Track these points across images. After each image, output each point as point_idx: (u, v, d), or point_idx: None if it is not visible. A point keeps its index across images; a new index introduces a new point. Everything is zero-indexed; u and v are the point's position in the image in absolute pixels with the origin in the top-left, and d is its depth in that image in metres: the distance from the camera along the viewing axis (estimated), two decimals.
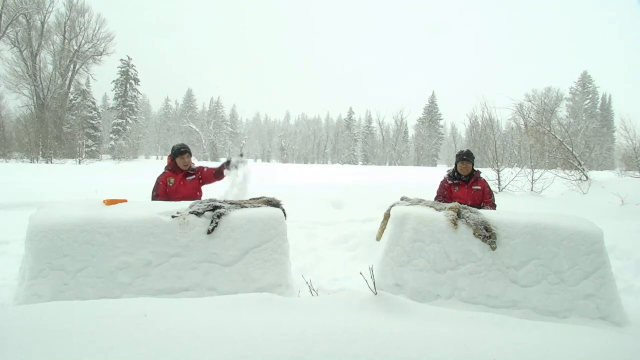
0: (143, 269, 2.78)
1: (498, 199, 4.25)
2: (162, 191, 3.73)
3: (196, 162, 4.13)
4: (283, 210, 3.32)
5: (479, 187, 3.94)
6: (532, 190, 9.93)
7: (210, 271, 2.90)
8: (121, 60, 43.14)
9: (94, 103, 40.21)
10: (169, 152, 3.92)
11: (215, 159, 55.77)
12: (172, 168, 3.82)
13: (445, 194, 3.99)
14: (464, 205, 3.25)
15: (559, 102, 37.06)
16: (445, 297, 2.95)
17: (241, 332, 1.39)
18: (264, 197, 3.46)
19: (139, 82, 44.47)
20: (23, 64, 32.59)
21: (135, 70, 44.20)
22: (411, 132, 67.13)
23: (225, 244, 2.95)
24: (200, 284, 2.87)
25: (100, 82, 42.02)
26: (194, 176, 3.88)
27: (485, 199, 3.93)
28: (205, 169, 3.96)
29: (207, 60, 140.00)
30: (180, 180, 3.80)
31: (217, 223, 2.94)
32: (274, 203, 3.36)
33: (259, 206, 3.23)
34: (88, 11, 35.95)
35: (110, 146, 40.79)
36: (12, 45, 31.96)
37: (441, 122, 64.46)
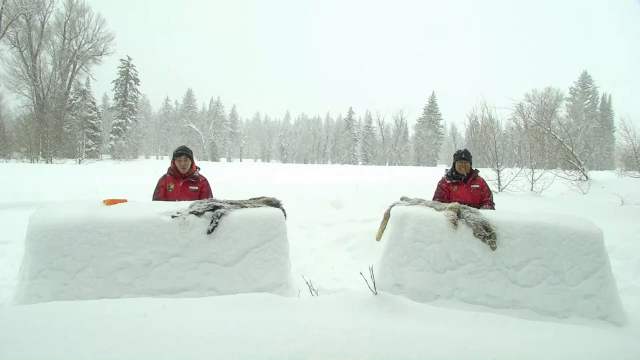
0: (143, 269, 2.78)
1: (498, 199, 4.26)
2: (162, 196, 3.66)
3: (201, 169, 3.97)
4: (283, 210, 3.31)
5: (478, 186, 3.95)
6: (532, 190, 9.91)
7: (210, 271, 2.90)
8: (121, 60, 43.19)
9: (94, 103, 40.20)
10: (170, 153, 3.86)
11: (215, 159, 55.78)
12: (173, 172, 3.72)
13: (443, 195, 3.99)
14: (464, 205, 3.25)
15: (559, 102, 37.06)
16: (445, 297, 2.95)
17: (241, 332, 1.38)
18: (264, 197, 3.46)
19: (139, 82, 44.51)
20: (23, 64, 32.60)
21: (135, 70, 44.24)
22: (411, 132, 67.19)
23: (225, 244, 2.95)
24: (200, 284, 2.87)
25: (100, 82, 42.13)
26: (197, 187, 3.75)
27: (484, 197, 3.93)
28: (206, 190, 3.81)
29: (207, 60, 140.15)
30: (181, 187, 3.71)
31: (217, 223, 2.94)
32: (274, 203, 3.36)
33: (259, 206, 3.23)
34: (88, 11, 36.01)
35: (110, 146, 40.81)
36: (12, 45, 31.98)
37: (441, 122, 64.47)
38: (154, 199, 3.67)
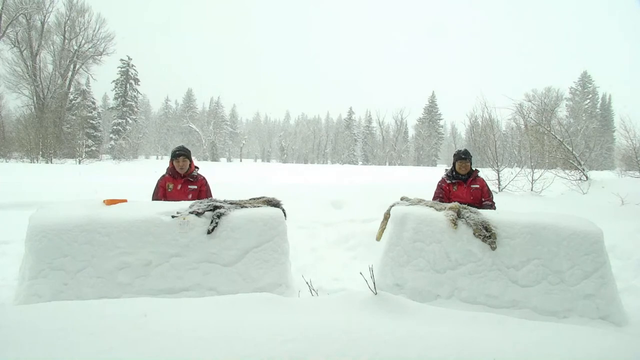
0: (143, 269, 2.78)
1: (498, 199, 4.25)
2: (162, 196, 3.67)
3: (200, 168, 3.97)
4: (283, 210, 3.32)
5: (478, 186, 3.95)
6: (532, 190, 9.91)
7: (210, 271, 2.90)
8: (121, 60, 43.16)
9: (94, 103, 40.21)
10: (169, 153, 3.86)
11: (215, 159, 55.78)
12: (172, 172, 3.73)
13: (442, 195, 3.99)
14: (464, 205, 3.25)
15: (559, 102, 37.04)
16: (445, 297, 2.95)
17: (241, 332, 1.38)
18: (264, 197, 3.46)
19: (139, 82, 44.50)
20: (23, 64, 32.58)
21: (135, 70, 44.21)
22: (411, 132, 67.19)
23: (225, 244, 2.95)
24: (200, 284, 2.87)
25: (100, 82, 42.13)
26: (196, 186, 3.75)
27: (484, 197, 3.94)
28: (205, 189, 3.80)
29: (207, 60, 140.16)
30: (181, 187, 3.71)
31: (217, 223, 2.94)
32: (274, 203, 3.36)
33: (259, 206, 3.23)
34: (88, 11, 36.00)
35: (110, 146, 40.80)
36: (12, 45, 31.96)
37: (441, 122, 64.50)
38: (153, 200, 3.68)
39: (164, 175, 3.77)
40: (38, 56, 33.59)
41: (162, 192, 3.69)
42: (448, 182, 3.99)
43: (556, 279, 2.86)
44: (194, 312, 1.59)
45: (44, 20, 33.71)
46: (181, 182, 3.73)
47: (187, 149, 3.81)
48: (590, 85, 52.67)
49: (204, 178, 3.88)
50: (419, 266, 3.02)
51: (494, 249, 2.90)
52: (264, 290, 2.87)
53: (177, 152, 3.72)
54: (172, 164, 3.74)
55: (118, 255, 2.75)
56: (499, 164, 10.37)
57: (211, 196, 3.78)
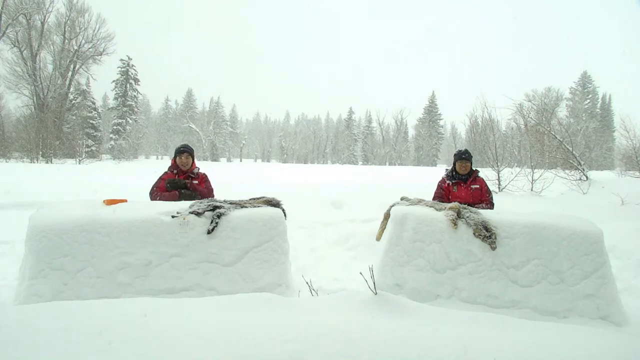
0: (143, 269, 2.78)
1: (498, 199, 4.25)
2: (162, 187, 3.69)
3: (201, 168, 4.02)
4: (283, 210, 3.32)
5: (478, 186, 3.95)
6: (532, 190, 9.91)
7: (210, 271, 2.90)
8: (121, 60, 43.16)
9: (94, 103, 40.18)
10: (170, 153, 3.90)
11: (215, 159, 55.76)
12: (174, 170, 3.79)
13: (443, 195, 3.99)
14: (464, 205, 3.25)
15: (559, 102, 37.03)
16: (445, 297, 2.95)
17: (241, 332, 1.38)
18: (264, 197, 3.46)
19: (139, 82, 44.48)
20: (23, 64, 32.58)
21: (135, 70, 44.20)
22: (411, 132, 67.19)
23: (225, 244, 2.95)
24: (200, 284, 2.87)
25: (100, 82, 42.08)
26: (197, 182, 3.79)
27: (483, 197, 3.94)
28: (205, 187, 3.82)
29: (207, 60, 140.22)
30: None
31: (217, 223, 2.94)
32: (274, 203, 3.36)
33: (259, 206, 3.23)
34: (88, 11, 35.98)
35: (110, 146, 40.79)
36: (12, 45, 31.96)
37: (441, 122, 64.50)
38: (152, 190, 3.70)
39: (166, 172, 3.83)
40: (38, 56, 33.59)
41: (162, 184, 3.72)
42: (448, 182, 3.99)
43: (556, 279, 2.86)
44: (194, 312, 1.59)
45: (44, 20, 33.72)
46: (183, 179, 3.76)
47: (190, 147, 3.92)
48: (590, 85, 52.65)
49: (205, 174, 3.95)
50: (419, 266, 3.02)
51: (494, 249, 2.90)
52: (264, 290, 2.87)
53: (181, 149, 3.82)
54: (175, 161, 3.81)
55: (118, 255, 2.75)
56: (499, 164, 10.36)
57: (213, 190, 3.84)
